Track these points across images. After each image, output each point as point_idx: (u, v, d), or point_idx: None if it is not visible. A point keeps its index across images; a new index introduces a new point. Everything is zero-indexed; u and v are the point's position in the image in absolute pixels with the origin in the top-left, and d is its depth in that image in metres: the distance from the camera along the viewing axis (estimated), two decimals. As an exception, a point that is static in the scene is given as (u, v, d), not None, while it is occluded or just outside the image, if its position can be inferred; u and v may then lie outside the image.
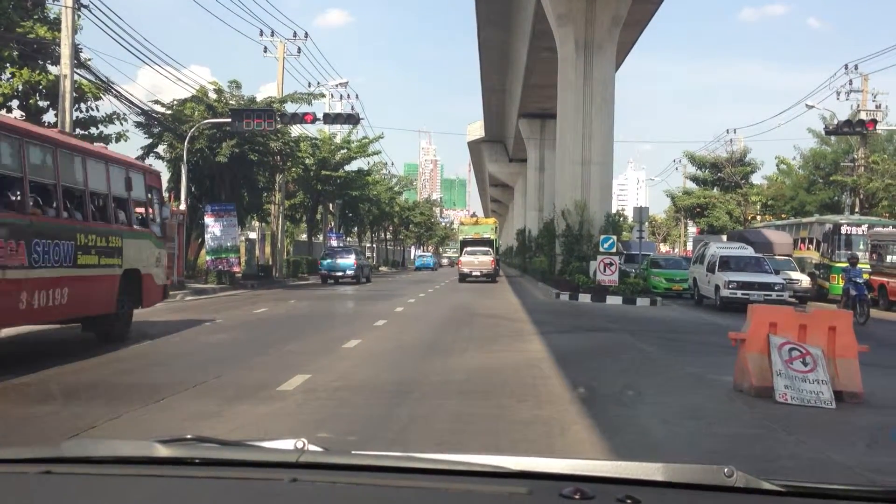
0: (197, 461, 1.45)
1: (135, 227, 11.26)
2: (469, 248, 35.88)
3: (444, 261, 77.91)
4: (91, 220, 9.95)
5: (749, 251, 21.23)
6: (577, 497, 1.25)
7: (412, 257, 78.59)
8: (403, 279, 37.87)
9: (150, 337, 10.96)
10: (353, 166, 40.21)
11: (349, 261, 31.22)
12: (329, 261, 31.53)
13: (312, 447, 1.46)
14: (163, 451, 1.46)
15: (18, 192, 8.52)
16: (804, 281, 22.92)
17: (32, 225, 8.54)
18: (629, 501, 1.23)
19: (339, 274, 31.02)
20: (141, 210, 11.80)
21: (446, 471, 1.40)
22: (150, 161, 24.78)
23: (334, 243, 39.91)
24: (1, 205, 8.28)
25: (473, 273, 33.25)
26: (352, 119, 26.38)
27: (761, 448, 5.27)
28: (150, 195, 12.03)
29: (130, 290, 10.87)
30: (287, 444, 1.49)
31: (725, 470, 1.31)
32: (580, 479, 1.32)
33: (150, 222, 11.98)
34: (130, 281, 10.85)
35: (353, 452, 1.55)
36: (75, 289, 9.29)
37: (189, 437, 1.60)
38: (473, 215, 61.92)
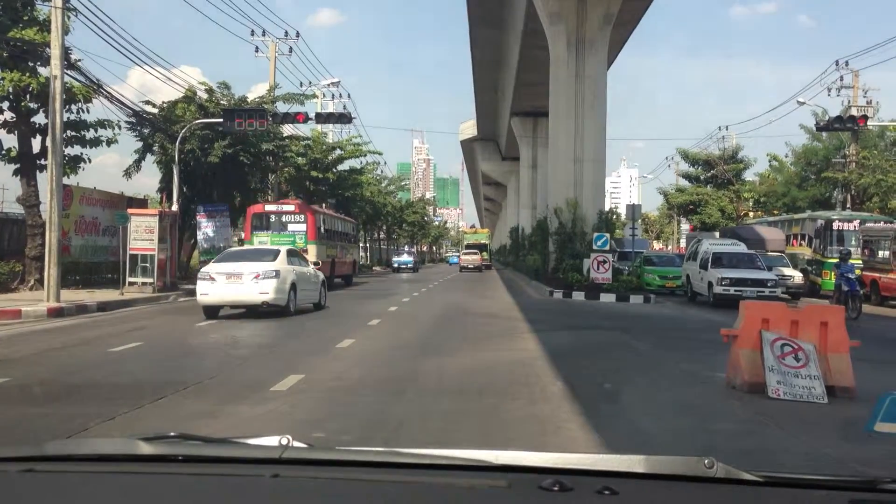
0: (180, 458, 1.45)
1: (354, 242, 31.89)
2: (467, 250, 56.24)
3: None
4: (347, 242, 30.30)
5: (742, 248, 21.29)
6: (556, 489, 1.25)
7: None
8: (397, 278, 37.93)
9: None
10: (346, 166, 40.22)
11: (409, 258, 51.74)
12: (398, 258, 52.50)
13: (296, 443, 1.46)
14: (146, 449, 1.45)
15: (344, 237, 29.92)
16: (796, 277, 22.99)
17: (344, 244, 29.42)
18: (607, 493, 1.24)
19: (404, 266, 49.58)
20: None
21: (428, 465, 1.40)
22: (142, 163, 25.12)
23: None
24: (338, 239, 28.48)
25: (470, 266, 50.25)
26: (344, 118, 26.30)
27: (754, 443, 5.29)
28: (357, 229, 33.84)
29: (353, 266, 30.07)
30: (271, 440, 1.49)
31: (706, 461, 1.31)
32: (561, 472, 1.32)
33: (356, 239, 34.76)
34: (354, 262, 30.30)
35: (336, 448, 1.54)
36: (345, 265, 28.76)
37: (172, 434, 1.59)
38: (473, 226, 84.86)
